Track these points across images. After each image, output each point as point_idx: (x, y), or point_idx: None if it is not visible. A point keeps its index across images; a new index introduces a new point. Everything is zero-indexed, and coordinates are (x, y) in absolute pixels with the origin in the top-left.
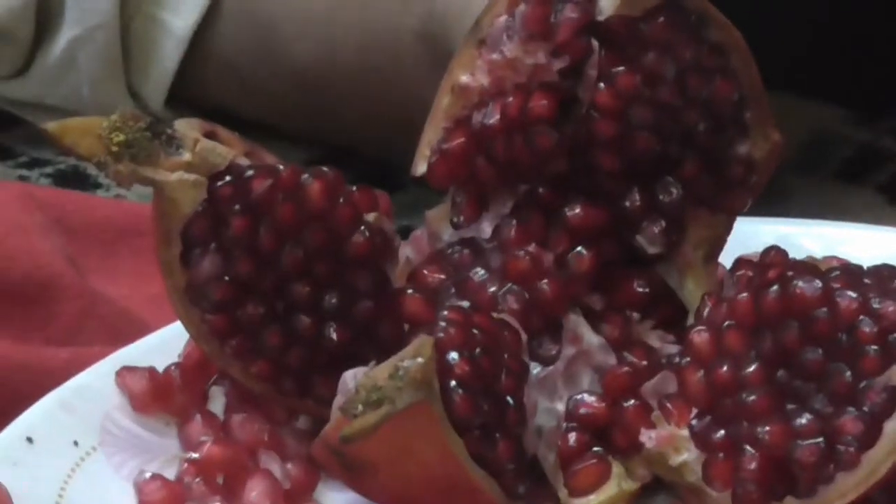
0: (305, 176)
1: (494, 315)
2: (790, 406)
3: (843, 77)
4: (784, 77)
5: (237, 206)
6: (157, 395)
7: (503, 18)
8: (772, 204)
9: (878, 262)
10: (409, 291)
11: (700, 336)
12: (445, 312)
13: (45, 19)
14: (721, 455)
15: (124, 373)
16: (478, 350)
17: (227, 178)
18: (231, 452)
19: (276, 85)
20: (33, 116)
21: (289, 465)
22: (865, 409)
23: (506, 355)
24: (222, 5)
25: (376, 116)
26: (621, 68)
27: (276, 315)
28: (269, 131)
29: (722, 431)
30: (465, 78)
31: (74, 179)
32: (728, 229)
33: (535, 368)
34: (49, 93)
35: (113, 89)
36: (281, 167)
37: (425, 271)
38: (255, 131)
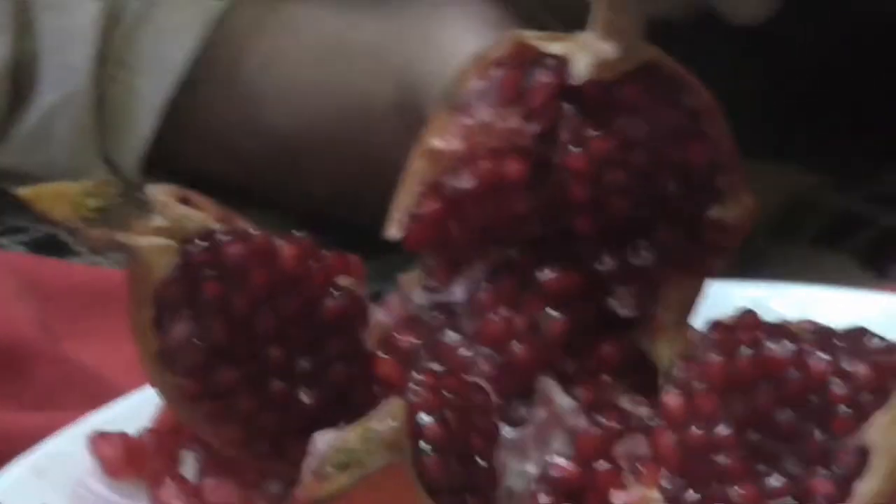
0: (278, 241)
1: (466, 378)
2: (762, 467)
3: (818, 143)
4: (761, 143)
5: (210, 271)
6: (129, 460)
7: (476, 83)
8: (745, 268)
9: (850, 324)
10: (381, 354)
11: (672, 398)
12: (418, 376)
13: (20, 86)
14: None
15: (97, 438)
16: (449, 413)
17: (200, 243)
18: None
19: (256, 151)
20: (8, 184)
21: None
22: (836, 469)
23: (477, 417)
24: (201, 73)
25: (350, 181)
26: (594, 132)
27: (249, 379)
28: (246, 196)
29: (694, 493)
30: (438, 142)
31: (50, 247)
32: (700, 292)
33: (507, 431)
34: (25, 161)
35: (88, 157)
36: (254, 232)
37: (397, 334)
38: (233, 196)
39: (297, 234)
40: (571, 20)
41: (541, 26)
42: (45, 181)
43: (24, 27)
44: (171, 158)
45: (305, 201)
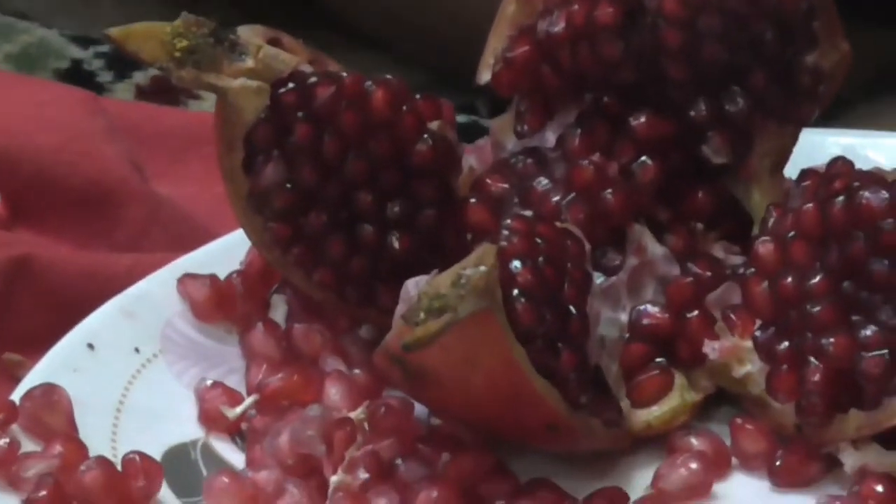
0: (369, 83)
1: (558, 224)
2: (855, 318)
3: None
4: (849, 6)
5: (300, 114)
6: (218, 303)
7: None
8: (838, 125)
9: None
10: (473, 200)
11: (765, 247)
12: (509, 221)
13: None
14: (785, 367)
15: (186, 280)
16: (541, 259)
17: (291, 84)
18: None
19: None
20: None
21: (356, 372)
22: None
23: (569, 264)
24: None
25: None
26: None
27: (339, 223)
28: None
29: (786, 343)
30: None
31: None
32: (794, 140)
33: (599, 278)
34: None
35: None
36: (344, 74)
37: (489, 180)
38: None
39: (387, 76)
40: None
41: None
42: None
43: None
44: None
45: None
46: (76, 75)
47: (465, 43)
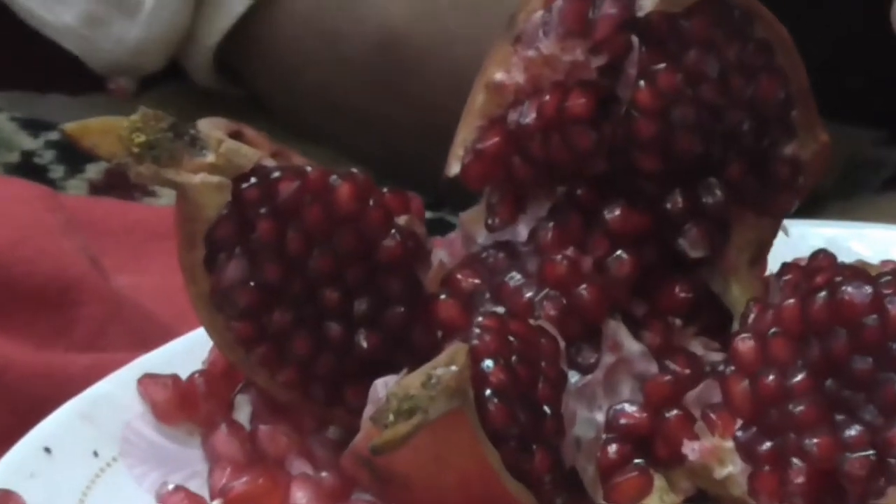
0: (334, 177)
1: (531, 321)
2: (839, 417)
3: (871, 100)
4: (818, 104)
5: (263, 209)
6: (180, 404)
7: (539, 14)
8: (816, 210)
9: None
10: (443, 296)
11: (745, 344)
12: (481, 318)
13: None
14: (767, 468)
15: (146, 381)
16: (514, 357)
17: (253, 180)
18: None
19: (357, 42)
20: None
21: (323, 474)
22: None
23: (543, 363)
24: None
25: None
26: (662, 66)
27: (304, 321)
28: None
29: (768, 443)
30: (499, 76)
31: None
32: (774, 232)
33: (574, 377)
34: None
35: (173, 20)
36: (309, 168)
37: (459, 276)
38: (299, 124)
39: (353, 170)
40: None
41: None
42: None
43: None
44: (256, 50)
45: (399, 113)
46: (27, 169)
47: (421, 136)
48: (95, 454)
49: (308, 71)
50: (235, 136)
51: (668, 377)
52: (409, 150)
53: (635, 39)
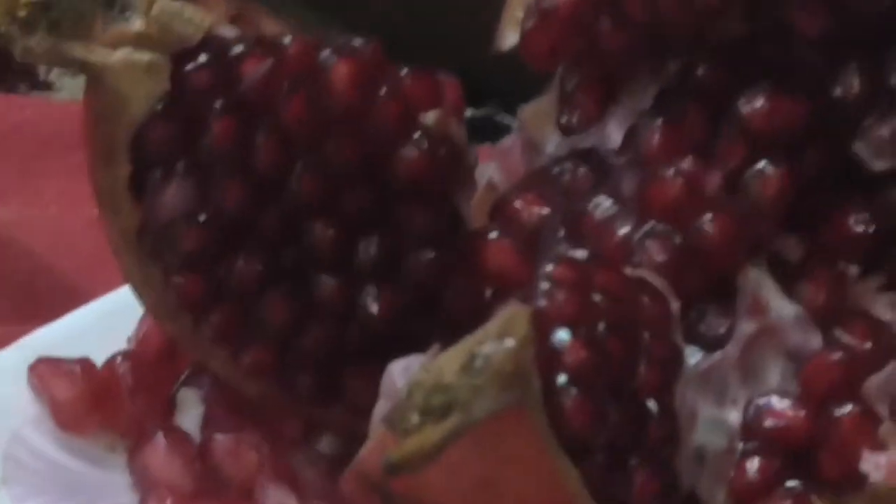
0: (326, 52)
1: (628, 271)
2: None
3: None
4: None
5: (219, 103)
6: (93, 404)
7: None
8: None
9: None
10: (494, 234)
11: None
12: (551, 267)
13: None
14: None
15: (42, 368)
16: (602, 327)
17: (203, 57)
18: None
19: None
20: None
21: None
22: None
23: (647, 335)
24: None
25: None
26: None
27: (281, 274)
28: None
29: None
30: None
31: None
32: None
33: (694, 356)
34: None
35: None
36: (287, 40)
37: (518, 202)
38: None
39: (355, 41)
40: None
41: None
42: None
43: None
44: None
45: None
46: None
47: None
48: None
49: None
50: None
51: (838, 355)
52: (436, 14)
53: None
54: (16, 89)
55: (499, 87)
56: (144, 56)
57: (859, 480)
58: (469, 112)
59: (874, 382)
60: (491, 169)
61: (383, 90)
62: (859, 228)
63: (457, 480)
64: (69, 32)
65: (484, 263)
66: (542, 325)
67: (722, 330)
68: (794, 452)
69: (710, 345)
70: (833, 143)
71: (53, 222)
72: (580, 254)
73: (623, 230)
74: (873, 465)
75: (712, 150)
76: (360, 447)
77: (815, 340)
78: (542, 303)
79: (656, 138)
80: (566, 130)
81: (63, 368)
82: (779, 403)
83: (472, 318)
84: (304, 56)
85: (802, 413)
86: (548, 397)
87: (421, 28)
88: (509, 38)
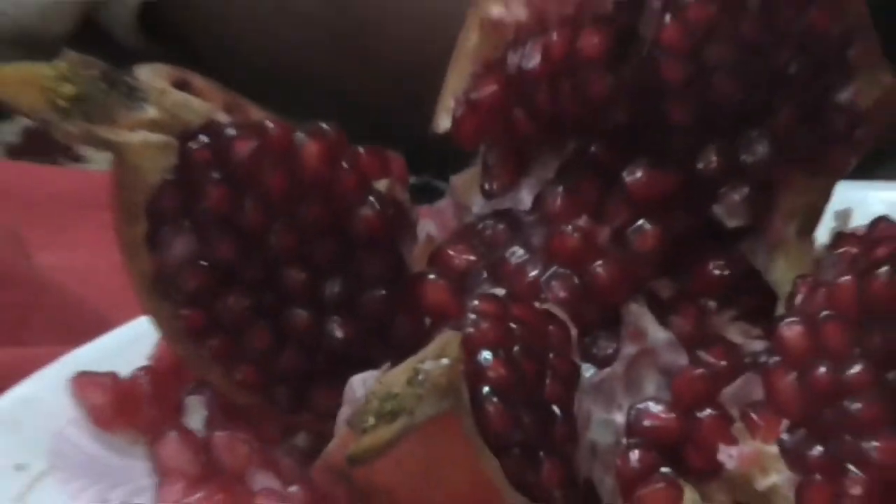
0: (299, 135)
1: (537, 305)
2: None
3: None
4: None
5: (216, 174)
6: (121, 408)
7: None
8: (878, 170)
9: None
10: (431, 276)
11: (792, 330)
12: (476, 302)
13: None
14: (819, 477)
15: (80, 380)
16: (517, 348)
17: (203, 138)
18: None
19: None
20: None
21: (291, 489)
22: None
23: (552, 355)
24: None
25: (434, 56)
26: None
27: (265, 308)
28: (272, 74)
29: (820, 448)
30: (497, 10)
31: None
32: (827, 196)
33: (589, 371)
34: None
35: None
36: (269, 125)
37: (451, 251)
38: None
39: (323, 126)
40: None
41: None
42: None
43: None
44: (181, 12)
45: (361, 78)
46: None
47: (390, 98)
48: (19, 468)
49: (253, 29)
50: (181, 85)
51: (700, 370)
52: (377, 115)
53: None
54: (57, 161)
55: (434, 159)
56: (157, 137)
57: (717, 468)
58: (411, 179)
59: (728, 392)
60: (429, 225)
61: (344, 164)
62: (717, 273)
63: (404, 470)
64: (98, 119)
65: (424, 299)
66: (469, 348)
67: (610, 351)
68: (666, 446)
69: (601, 363)
70: (697, 206)
71: (86, 267)
72: (499, 292)
73: (533, 273)
74: (728, 456)
75: (602, 211)
76: (327, 444)
77: (682, 359)
78: (470, 330)
79: (558, 202)
80: (488, 195)
81: (97, 380)
82: (654, 408)
83: (414, 342)
84: (282, 137)
85: (673, 416)
86: (474, 405)
87: (374, 114)
88: (443, 122)
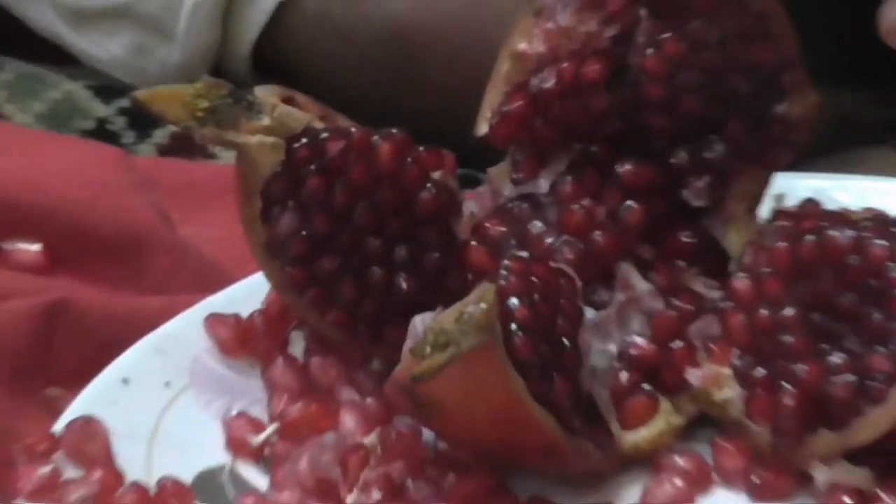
0: (376, 137)
1: (552, 264)
2: (824, 346)
3: (857, 65)
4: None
5: (313, 167)
6: (242, 340)
7: None
8: (804, 164)
9: None
10: (473, 243)
11: (741, 283)
12: (506, 262)
13: None
14: (761, 392)
15: (212, 320)
16: (536, 296)
17: (304, 140)
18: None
19: (368, 37)
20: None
21: (368, 401)
22: (894, 347)
23: (562, 301)
24: None
25: (471, 74)
26: (668, 35)
27: (350, 267)
28: (349, 103)
29: (762, 370)
30: (523, 46)
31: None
32: (767, 184)
33: (590, 313)
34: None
35: (213, 8)
36: (353, 129)
37: (488, 224)
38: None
39: (393, 130)
40: None
41: None
42: (155, 25)
43: None
44: (282, 45)
45: (407, 103)
46: (101, 134)
47: (437, 120)
48: (167, 384)
49: (326, 69)
50: (288, 101)
51: (673, 313)
52: (428, 133)
53: (643, 11)
54: (195, 158)
55: (476, 156)
56: (270, 139)
57: (685, 385)
58: (459, 171)
59: (694, 328)
60: (472, 205)
61: (409, 159)
62: (685, 241)
63: (453, 387)
64: (226, 126)
65: (468, 260)
66: (501, 296)
67: (606, 298)
68: (647, 369)
69: (599, 307)
70: (671, 191)
71: (217, 236)
72: (524, 254)
73: (548, 240)
74: (693, 376)
75: (600, 195)
76: (396, 367)
77: (659, 305)
78: (502, 283)
79: (568, 188)
80: (515, 183)
81: (224, 320)
82: (638, 340)
83: (461, 292)
84: (363, 139)
85: (652, 346)
86: (505, 338)
87: (427, 124)
88: (482, 128)
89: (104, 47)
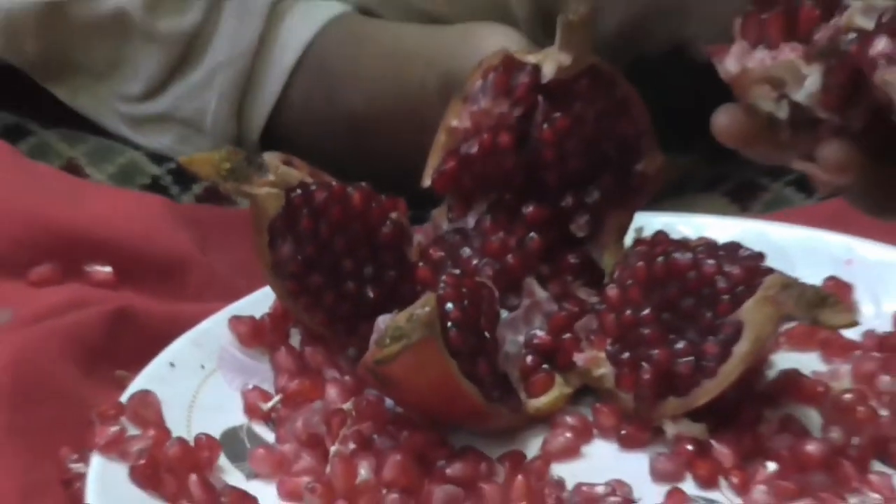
0: (349, 188)
1: (477, 279)
2: (672, 336)
3: (690, 135)
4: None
5: (305, 210)
6: (255, 335)
7: (479, 82)
8: (656, 208)
9: (728, 239)
10: (421, 264)
11: (612, 291)
12: (444, 277)
13: (195, 46)
14: (627, 370)
15: (234, 319)
16: (466, 302)
17: (298, 191)
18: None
19: (337, 124)
20: (159, 129)
21: (346, 378)
22: (720, 337)
23: (484, 305)
24: (306, 61)
25: (405, 149)
26: (558, 114)
27: (331, 282)
28: (327, 163)
29: (627, 354)
30: (454, 122)
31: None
32: (630, 220)
33: (504, 314)
34: (182, 106)
35: (230, 109)
36: (333, 183)
37: (431, 251)
38: (318, 163)
39: (362, 184)
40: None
41: (538, 42)
42: (192, 125)
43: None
44: (280, 128)
45: (368, 165)
46: (154, 187)
47: (389, 177)
48: (202, 367)
49: (312, 142)
50: (287, 163)
51: (564, 313)
52: (385, 185)
53: (540, 97)
54: (222, 204)
55: (422, 200)
56: (274, 191)
57: (573, 365)
58: (410, 212)
59: (579, 324)
60: (419, 237)
61: (374, 204)
62: (573, 261)
63: (405, 368)
64: (243, 181)
65: (417, 277)
66: (440, 302)
67: (516, 303)
68: (546, 354)
69: (511, 309)
70: (562, 225)
71: (237, 259)
72: (457, 272)
73: (474, 262)
74: (579, 358)
75: (511, 229)
76: (365, 354)
77: (554, 308)
78: (441, 293)
79: (488, 224)
80: (450, 220)
81: (243, 320)
82: (539, 333)
83: (412, 299)
84: (340, 190)
85: (549, 337)
86: (443, 332)
87: (388, 176)
88: (427, 181)
89: (157, 140)
